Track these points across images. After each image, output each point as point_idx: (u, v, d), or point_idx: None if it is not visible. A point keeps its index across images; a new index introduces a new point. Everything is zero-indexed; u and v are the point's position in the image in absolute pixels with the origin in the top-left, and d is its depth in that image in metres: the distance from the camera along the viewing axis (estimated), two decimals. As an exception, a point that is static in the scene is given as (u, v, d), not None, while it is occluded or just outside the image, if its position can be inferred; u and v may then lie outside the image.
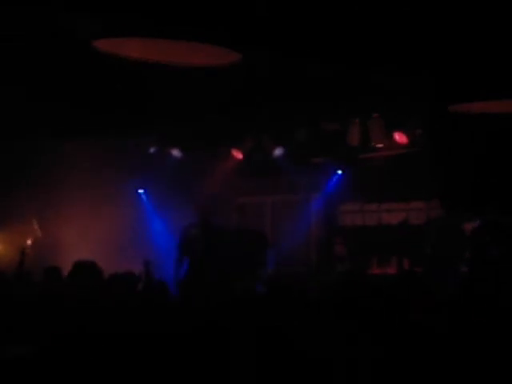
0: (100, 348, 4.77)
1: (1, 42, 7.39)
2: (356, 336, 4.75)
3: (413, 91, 9.50)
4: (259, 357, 4.61)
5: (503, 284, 7.98)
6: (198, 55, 7.80)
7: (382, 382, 4.53)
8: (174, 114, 10.58)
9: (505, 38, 7.19)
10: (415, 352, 4.65)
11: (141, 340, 4.82)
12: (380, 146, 11.71)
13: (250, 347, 4.66)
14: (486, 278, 8.90)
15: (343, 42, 7.58)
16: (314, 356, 4.60)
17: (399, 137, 11.49)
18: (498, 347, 4.65)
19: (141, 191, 13.91)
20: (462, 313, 5.08)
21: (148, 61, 7.79)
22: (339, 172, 12.82)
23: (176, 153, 13.41)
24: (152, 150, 13.43)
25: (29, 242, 12.32)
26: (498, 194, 10.59)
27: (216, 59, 7.91)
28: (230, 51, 7.58)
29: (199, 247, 10.18)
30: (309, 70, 8.69)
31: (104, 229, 12.30)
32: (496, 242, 10.11)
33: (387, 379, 4.54)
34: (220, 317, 5.10)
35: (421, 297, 5.59)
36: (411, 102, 10.25)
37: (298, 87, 9.40)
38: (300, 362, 4.56)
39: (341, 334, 4.77)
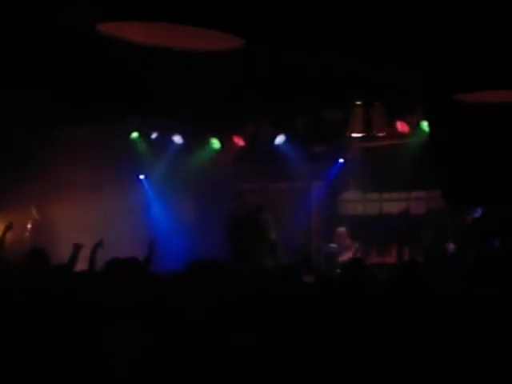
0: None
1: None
2: (356, 333, 4.71)
3: (415, 81, 9.46)
4: (259, 356, 4.58)
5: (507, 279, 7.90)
6: (200, 40, 7.73)
7: (383, 382, 4.50)
8: (176, 101, 10.54)
9: (508, 27, 7.15)
10: (416, 350, 4.60)
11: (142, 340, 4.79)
12: (382, 134, 11.68)
13: (250, 346, 4.63)
14: (489, 271, 8.84)
15: (348, 35, 7.54)
16: (314, 354, 4.56)
17: (401, 126, 11.48)
18: (500, 348, 4.60)
19: (142, 177, 13.88)
20: (463, 311, 5.02)
21: (150, 45, 7.73)
22: (341, 161, 12.77)
23: (177, 139, 13.42)
24: (154, 135, 13.45)
25: (29, 225, 12.37)
26: (501, 184, 10.55)
27: (218, 44, 7.84)
28: (233, 36, 7.50)
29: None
30: (310, 60, 8.66)
31: (104, 214, 12.28)
32: (498, 233, 10.09)
33: (388, 378, 4.50)
34: (220, 315, 5.05)
35: (421, 293, 5.53)
36: (414, 92, 10.22)
37: (300, 76, 9.36)
38: (300, 360, 4.53)
39: (341, 330, 4.73)
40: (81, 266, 7.48)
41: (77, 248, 7.75)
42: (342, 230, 11.86)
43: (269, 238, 11.26)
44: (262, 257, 11.02)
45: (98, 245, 7.92)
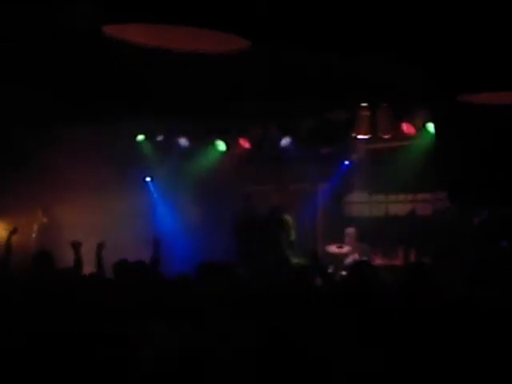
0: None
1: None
2: (358, 334, 4.69)
3: (421, 83, 9.44)
4: (259, 356, 4.58)
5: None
6: (201, 42, 7.74)
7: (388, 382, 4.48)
8: (179, 102, 10.54)
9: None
10: (422, 351, 4.58)
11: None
12: (387, 136, 11.66)
13: (250, 346, 4.63)
14: (492, 273, 8.80)
15: (353, 36, 7.55)
16: (315, 355, 4.56)
17: (407, 127, 11.45)
18: (505, 349, 4.57)
19: (148, 179, 13.89)
20: (468, 312, 4.99)
21: (152, 46, 7.74)
22: (346, 162, 12.74)
23: (183, 141, 13.43)
24: (159, 138, 13.47)
25: (35, 227, 12.42)
26: (506, 186, 10.50)
27: (220, 46, 7.84)
28: (234, 37, 7.50)
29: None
30: (315, 61, 8.66)
31: (109, 216, 12.30)
32: (505, 234, 10.05)
33: (393, 379, 4.48)
34: (221, 315, 5.05)
35: (428, 294, 5.50)
36: (420, 94, 10.20)
37: (305, 78, 9.36)
38: (300, 360, 4.52)
39: (345, 331, 4.72)
40: (87, 268, 7.50)
41: (75, 246, 7.75)
42: (351, 230, 11.83)
43: (291, 238, 11.69)
44: (287, 257, 11.35)
45: (101, 245, 7.92)
